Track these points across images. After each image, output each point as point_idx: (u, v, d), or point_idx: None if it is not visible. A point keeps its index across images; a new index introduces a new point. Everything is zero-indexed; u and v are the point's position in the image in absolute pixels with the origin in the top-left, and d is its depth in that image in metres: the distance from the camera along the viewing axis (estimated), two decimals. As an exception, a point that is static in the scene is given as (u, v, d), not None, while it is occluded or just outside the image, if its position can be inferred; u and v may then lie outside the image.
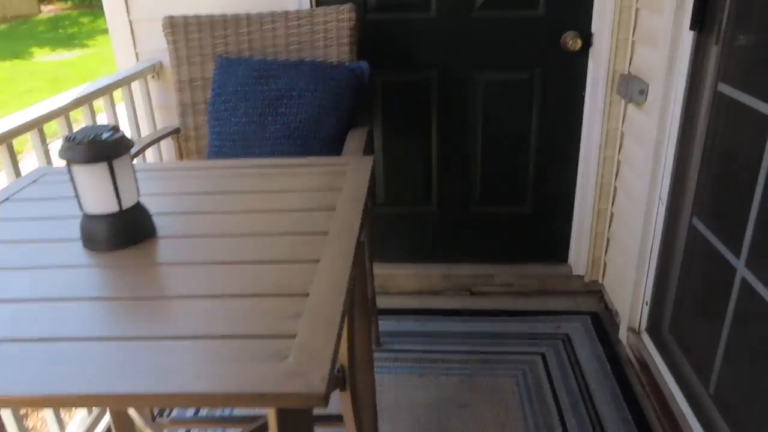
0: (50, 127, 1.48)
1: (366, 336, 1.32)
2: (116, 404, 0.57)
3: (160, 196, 1.02)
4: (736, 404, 1.38)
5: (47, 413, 1.41)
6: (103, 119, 1.76)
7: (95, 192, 0.84)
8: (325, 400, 0.56)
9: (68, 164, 0.84)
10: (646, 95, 1.77)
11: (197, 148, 1.67)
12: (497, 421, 1.66)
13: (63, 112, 1.50)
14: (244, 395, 0.56)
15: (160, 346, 0.62)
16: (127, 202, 0.87)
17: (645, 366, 1.76)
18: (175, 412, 1.64)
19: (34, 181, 1.09)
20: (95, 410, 1.58)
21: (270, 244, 0.84)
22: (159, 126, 1.94)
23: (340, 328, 0.65)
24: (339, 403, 1.29)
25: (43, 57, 9.54)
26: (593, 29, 1.91)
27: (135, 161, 1.43)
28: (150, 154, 1.91)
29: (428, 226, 2.22)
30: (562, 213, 2.17)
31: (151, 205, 0.98)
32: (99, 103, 1.70)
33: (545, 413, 1.67)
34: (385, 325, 2.08)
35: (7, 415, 1.21)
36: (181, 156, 1.70)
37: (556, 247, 2.22)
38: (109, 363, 0.59)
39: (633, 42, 1.88)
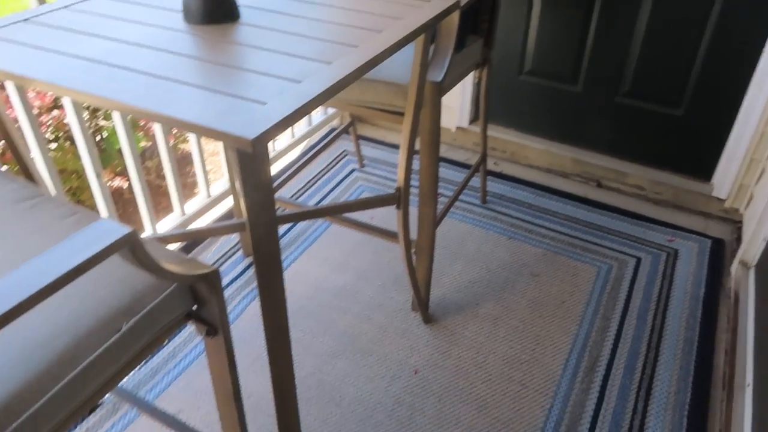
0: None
1: (431, 172, 1.44)
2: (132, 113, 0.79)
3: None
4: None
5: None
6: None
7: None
8: (251, 146, 0.72)
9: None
10: None
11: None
12: (559, 296, 1.71)
13: None
14: (203, 128, 0.75)
15: (187, 89, 0.82)
16: (218, -13, 1.06)
17: (738, 301, 1.64)
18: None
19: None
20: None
21: (308, 46, 0.98)
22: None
23: (303, 111, 0.80)
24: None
25: None
26: None
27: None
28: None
29: (570, 106, 2.14)
30: (718, 127, 1.94)
31: (248, -1, 1.17)
32: None
33: (609, 307, 1.68)
34: (499, 188, 2.15)
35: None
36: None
37: (702, 163, 2.02)
38: (154, 91, 0.82)
39: None
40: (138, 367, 1.47)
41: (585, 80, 2.07)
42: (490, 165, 2.29)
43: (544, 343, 1.58)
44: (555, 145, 2.22)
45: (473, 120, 2.34)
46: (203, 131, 0.75)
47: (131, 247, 0.65)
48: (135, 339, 0.77)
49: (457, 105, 2.29)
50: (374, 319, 1.63)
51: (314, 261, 1.82)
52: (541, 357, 1.54)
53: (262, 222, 0.86)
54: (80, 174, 2.08)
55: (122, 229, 0.64)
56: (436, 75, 1.33)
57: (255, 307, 1.65)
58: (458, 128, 2.35)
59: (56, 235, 0.85)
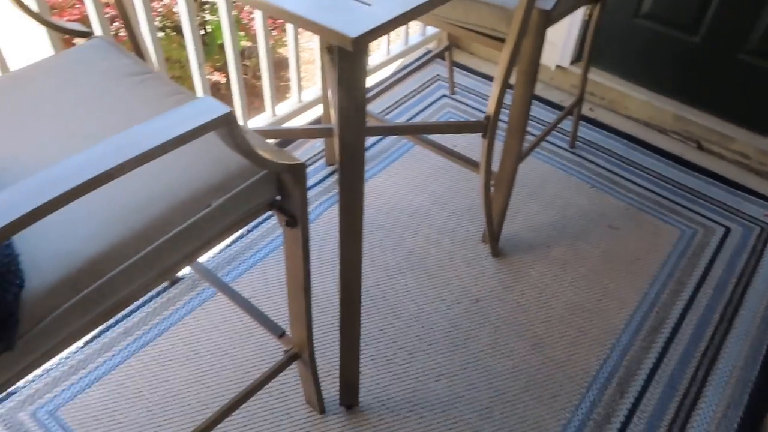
0: None
1: (524, 104, 1.40)
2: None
3: None
4: None
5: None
6: None
7: None
8: (352, 44, 0.73)
9: None
10: None
11: None
12: (634, 254, 1.66)
13: None
14: (307, 21, 0.76)
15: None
16: None
17: (832, 287, 1.54)
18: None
19: None
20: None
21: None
22: None
23: (407, 17, 0.79)
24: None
25: None
26: None
27: None
28: None
29: (684, 58, 1.99)
30: None
31: None
32: None
33: (686, 272, 1.62)
34: (590, 134, 2.07)
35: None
36: None
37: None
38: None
39: None
40: (219, 248, 1.58)
41: (707, 31, 1.91)
42: (585, 110, 2.19)
43: (611, 295, 1.56)
44: (659, 98, 2.09)
45: (575, 61, 2.23)
46: (307, 24, 0.76)
47: (229, 127, 0.68)
48: (222, 216, 0.82)
49: (560, 41, 2.18)
50: (443, 243, 1.65)
51: (393, 179, 1.84)
52: (605, 309, 1.52)
53: (352, 124, 0.87)
54: (183, 64, 2.16)
55: (223, 108, 0.67)
56: (547, 2, 1.27)
57: (331, 214, 1.71)
58: (558, 67, 2.25)
59: (161, 109, 0.90)
